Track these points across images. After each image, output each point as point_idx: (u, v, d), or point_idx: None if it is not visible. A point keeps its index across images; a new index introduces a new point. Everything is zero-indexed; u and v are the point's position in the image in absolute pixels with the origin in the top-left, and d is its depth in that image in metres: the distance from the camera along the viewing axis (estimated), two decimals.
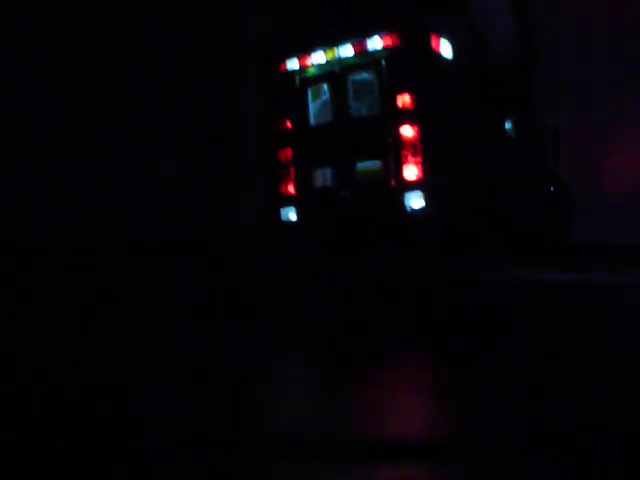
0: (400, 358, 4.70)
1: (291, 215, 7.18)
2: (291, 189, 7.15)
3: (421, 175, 6.27)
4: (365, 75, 6.84)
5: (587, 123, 12.73)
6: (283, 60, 7.12)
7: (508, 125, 7.92)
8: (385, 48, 6.51)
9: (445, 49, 6.61)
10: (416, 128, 6.31)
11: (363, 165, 6.69)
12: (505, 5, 8.20)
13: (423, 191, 6.25)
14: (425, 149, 6.27)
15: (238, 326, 6.29)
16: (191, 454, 2.77)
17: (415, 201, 6.30)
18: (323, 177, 7.09)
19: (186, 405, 3.47)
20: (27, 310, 7.42)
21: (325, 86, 7.08)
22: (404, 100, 6.35)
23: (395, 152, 6.43)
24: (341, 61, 6.77)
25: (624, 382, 3.73)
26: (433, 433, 2.94)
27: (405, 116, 6.40)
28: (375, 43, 6.56)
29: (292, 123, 7.16)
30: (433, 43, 6.47)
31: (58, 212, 19.04)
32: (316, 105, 7.19)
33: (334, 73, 6.85)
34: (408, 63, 6.42)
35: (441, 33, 6.51)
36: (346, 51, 6.76)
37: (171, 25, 19.35)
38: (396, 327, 5.94)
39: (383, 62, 6.49)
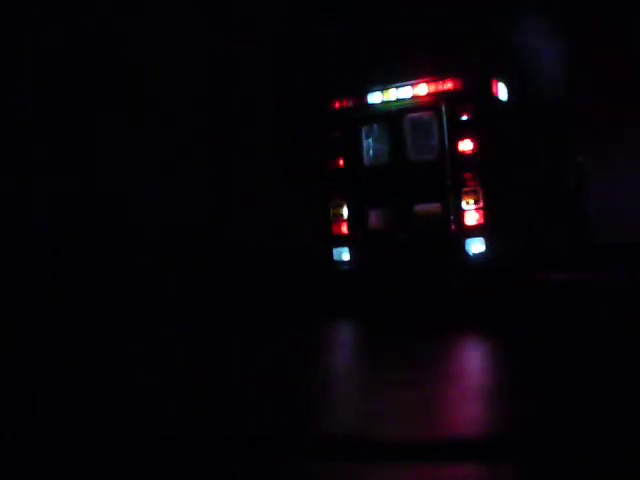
0: (400, 358, 4.70)
1: (344, 255, 6.98)
2: (344, 229, 6.95)
3: (482, 220, 6.19)
4: (424, 118, 6.62)
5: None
6: (338, 98, 7.00)
7: (548, 156, 7.99)
8: (446, 92, 6.35)
9: (502, 93, 6.56)
10: (478, 174, 6.16)
11: (421, 208, 6.58)
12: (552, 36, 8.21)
13: (484, 236, 6.18)
14: (486, 195, 6.18)
15: (238, 326, 6.29)
16: (191, 454, 2.79)
17: (476, 246, 6.22)
18: (377, 218, 6.90)
19: (186, 405, 3.46)
20: (27, 310, 7.43)
21: (381, 126, 6.85)
22: (466, 145, 6.23)
23: (455, 197, 6.28)
24: (399, 102, 6.65)
25: (624, 382, 3.72)
26: (440, 433, 2.94)
27: (467, 162, 6.25)
28: (435, 86, 6.43)
29: (346, 161, 6.98)
30: (493, 88, 6.41)
31: (58, 212, 19.03)
32: (370, 145, 7.04)
33: (391, 114, 6.62)
34: (470, 108, 6.27)
35: (498, 76, 6.48)
36: (404, 92, 6.58)
37: (172, 25, 19.37)
38: (398, 325, 5.96)
39: (443, 106, 6.33)
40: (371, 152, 6.99)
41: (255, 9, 18.99)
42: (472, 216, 6.19)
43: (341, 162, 6.99)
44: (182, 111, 18.79)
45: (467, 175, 6.23)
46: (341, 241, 6.97)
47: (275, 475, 2.54)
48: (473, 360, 4.80)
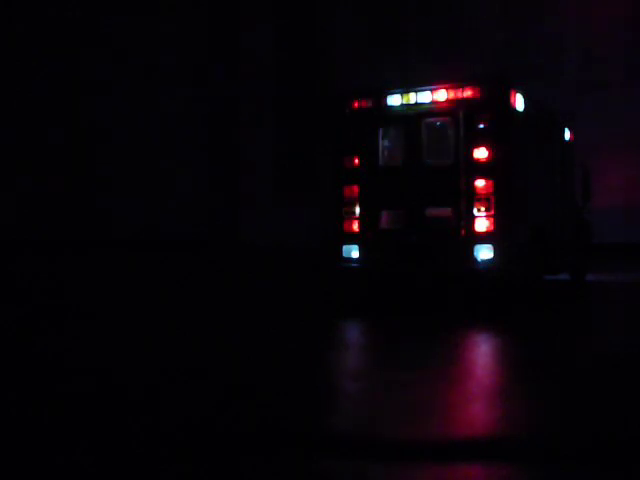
0: (405, 357, 4.75)
1: (353, 253, 7.10)
2: (355, 227, 7.09)
3: (492, 227, 6.27)
4: (441, 123, 6.77)
5: None
6: (357, 98, 7.13)
7: (556, 164, 8.19)
8: (465, 99, 6.46)
9: (519, 103, 6.68)
10: (491, 182, 6.29)
11: (432, 211, 6.67)
12: None
13: (493, 244, 6.24)
14: (498, 203, 6.27)
15: (247, 324, 6.30)
16: (201, 448, 2.79)
17: (484, 253, 6.26)
18: (389, 218, 6.83)
19: (194, 401, 3.47)
20: (29, 309, 7.40)
21: (397, 129, 6.95)
22: (481, 153, 6.34)
23: (467, 203, 6.37)
24: (417, 106, 6.67)
25: (624, 383, 3.80)
26: (447, 433, 2.98)
27: (481, 169, 6.34)
28: (455, 93, 6.54)
29: (360, 161, 7.15)
30: (512, 98, 6.51)
31: (58, 212, 18.95)
32: (386, 146, 7.03)
33: (409, 117, 6.72)
34: (488, 117, 6.38)
35: (517, 86, 6.63)
36: (424, 97, 6.66)
37: (172, 26, 19.35)
38: (405, 324, 6.04)
39: (461, 113, 6.43)
40: (387, 153, 7.05)
41: (258, 8, 18.96)
42: (482, 223, 6.28)
43: (356, 161, 7.03)
44: (182, 112, 18.80)
45: (480, 182, 6.32)
46: (351, 239, 7.02)
47: (285, 471, 2.57)
48: (479, 360, 4.91)
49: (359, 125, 6.97)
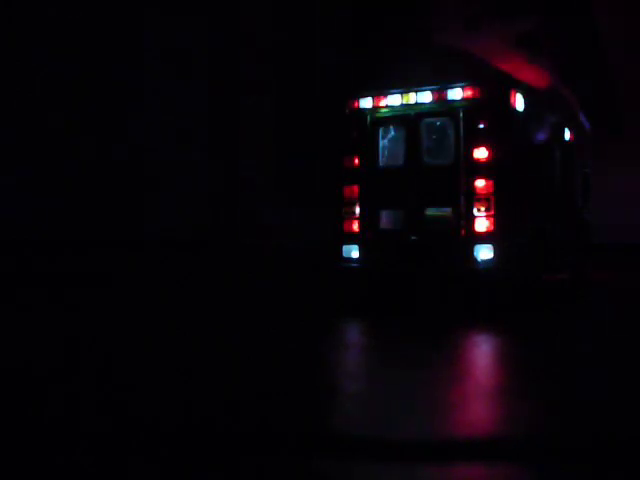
0: (405, 358, 4.73)
1: (353, 253, 7.15)
2: (355, 227, 7.11)
3: (492, 227, 6.30)
4: (441, 123, 6.77)
5: None
6: (357, 97, 7.16)
7: (556, 164, 8.21)
8: (465, 99, 6.48)
9: (519, 103, 6.70)
10: (491, 182, 6.33)
11: (432, 211, 6.69)
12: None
13: (493, 244, 6.26)
14: (498, 203, 6.30)
15: (247, 324, 6.32)
16: (202, 448, 2.80)
17: (484, 253, 6.29)
18: (389, 218, 6.96)
19: (197, 401, 3.49)
20: (30, 310, 7.40)
21: (397, 129, 6.99)
22: (481, 153, 6.36)
23: (467, 203, 6.41)
24: (417, 106, 6.73)
25: (624, 382, 3.80)
26: (449, 433, 2.99)
27: (481, 169, 6.36)
28: (455, 93, 6.57)
29: (360, 161, 7.06)
30: (512, 98, 6.55)
31: (58, 211, 18.96)
32: (386, 146, 7.06)
33: (409, 117, 6.78)
34: (488, 117, 6.42)
35: (517, 87, 6.65)
36: (424, 97, 6.69)
37: (173, 25, 19.41)
38: (404, 324, 6.06)
39: (461, 113, 6.45)
40: (387, 153, 7.06)
41: (258, 10, 18.98)
42: (482, 223, 6.29)
43: (356, 161, 7.05)
44: (183, 111, 18.79)
45: (480, 182, 6.32)
46: (351, 239, 7.03)
47: (285, 471, 2.56)
48: (479, 360, 4.91)
49: (359, 125, 6.98)
